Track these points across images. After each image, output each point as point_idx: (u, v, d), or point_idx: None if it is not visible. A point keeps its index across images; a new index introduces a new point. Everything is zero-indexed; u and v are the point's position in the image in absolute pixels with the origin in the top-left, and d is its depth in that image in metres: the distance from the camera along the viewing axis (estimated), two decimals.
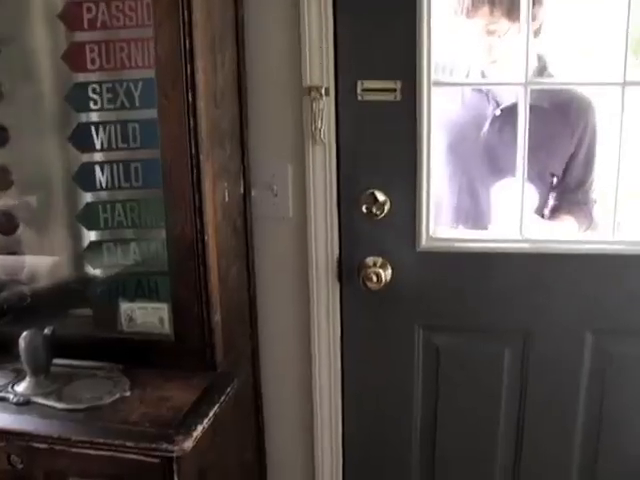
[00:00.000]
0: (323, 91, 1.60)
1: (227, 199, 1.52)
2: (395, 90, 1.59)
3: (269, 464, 1.84)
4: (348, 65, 1.60)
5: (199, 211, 1.38)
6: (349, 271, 1.69)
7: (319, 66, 1.60)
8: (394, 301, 1.70)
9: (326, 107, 1.61)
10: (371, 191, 1.64)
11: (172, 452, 1.19)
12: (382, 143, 1.63)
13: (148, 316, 1.49)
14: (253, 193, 1.68)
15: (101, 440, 1.21)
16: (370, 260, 1.67)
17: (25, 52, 1.60)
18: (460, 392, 1.74)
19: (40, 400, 1.33)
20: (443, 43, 1.70)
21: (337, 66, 1.60)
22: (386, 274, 1.66)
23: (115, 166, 1.60)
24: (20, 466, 1.30)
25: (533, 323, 1.69)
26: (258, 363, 1.72)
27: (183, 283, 1.42)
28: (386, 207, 1.64)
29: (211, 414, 1.30)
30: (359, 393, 1.77)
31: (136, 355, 1.45)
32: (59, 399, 1.32)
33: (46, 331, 1.39)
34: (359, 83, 1.60)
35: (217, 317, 1.44)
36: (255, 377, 1.71)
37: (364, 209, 1.64)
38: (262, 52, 1.63)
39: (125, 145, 1.58)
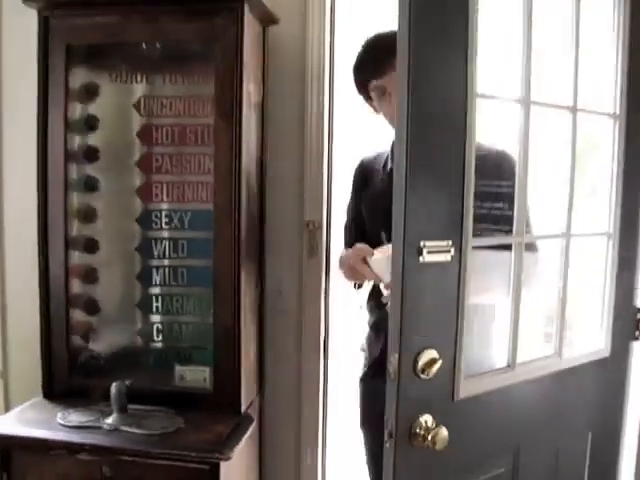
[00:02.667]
0: (317, 225, 2.34)
1: (252, 297, 2.22)
2: (449, 251, 1.49)
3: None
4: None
5: (237, 306, 2.07)
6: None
7: (317, 204, 2.35)
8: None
9: (320, 237, 2.34)
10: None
11: (221, 459, 1.84)
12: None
13: (195, 375, 2.14)
14: (265, 292, 2.38)
15: (175, 452, 1.86)
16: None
17: (114, 190, 2.29)
18: None
19: (125, 428, 1.96)
20: None
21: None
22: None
23: (167, 269, 2.28)
24: (109, 475, 1.92)
25: None
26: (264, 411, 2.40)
27: (223, 355, 2.09)
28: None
29: (243, 439, 1.96)
30: None
31: (185, 403, 2.10)
32: (139, 427, 1.96)
33: (127, 382, 2.04)
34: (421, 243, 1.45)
35: (243, 380, 2.11)
36: (260, 420, 2.38)
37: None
38: (277, 190, 2.36)
39: (175, 255, 2.27)
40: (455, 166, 1.49)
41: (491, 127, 1.79)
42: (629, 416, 2.01)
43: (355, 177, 2.17)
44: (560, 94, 1.73)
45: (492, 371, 1.68)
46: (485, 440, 1.69)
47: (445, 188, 1.49)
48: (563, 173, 1.76)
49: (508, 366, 1.67)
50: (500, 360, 1.69)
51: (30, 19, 2.08)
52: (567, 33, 1.72)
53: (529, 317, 1.90)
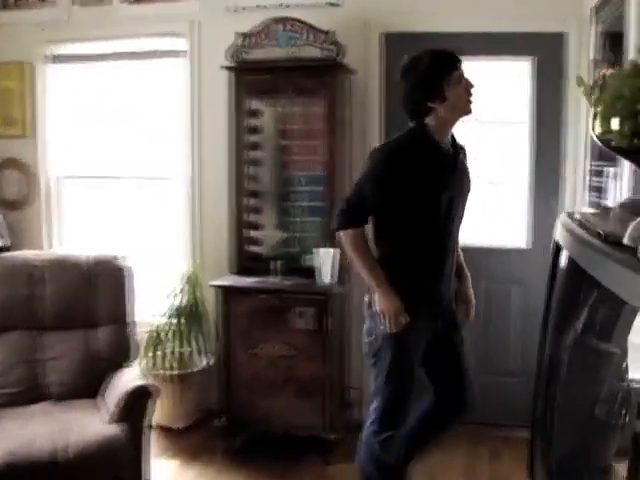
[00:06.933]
0: None
1: None
2: None
3: None
4: None
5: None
6: None
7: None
8: None
9: None
10: None
11: (330, 295, 3.85)
12: None
13: (311, 261, 4.09)
14: None
15: (309, 289, 3.86)
16: None
17: (266, 164, 4.29)
18: None
19: (283, 282, 3.97)
20: None
21: None
22: None
23: (296, 207, 4.26)
24: (277, 305, 3.91)
25: None
26: None
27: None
28: None
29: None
30: None
31: (309, 273, 4.06)
32: (289, 282, 3.96)
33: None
34: None
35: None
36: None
37: None
38: (356, 162, 4.32)
39: (303, 199, 4.26)
40: None
41: None
42: None
43: (391, 165, 2.77)
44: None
45: None
46: None
47: None
48: None
49: None
50: None
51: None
52: None
53: None
